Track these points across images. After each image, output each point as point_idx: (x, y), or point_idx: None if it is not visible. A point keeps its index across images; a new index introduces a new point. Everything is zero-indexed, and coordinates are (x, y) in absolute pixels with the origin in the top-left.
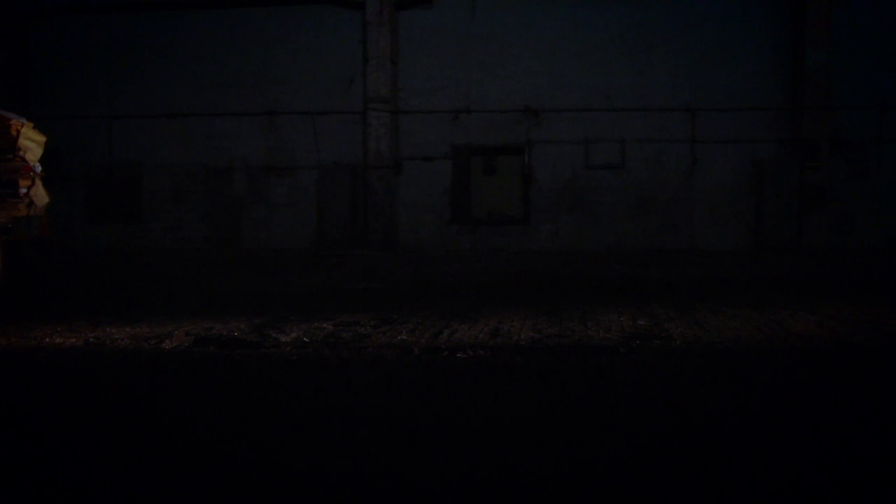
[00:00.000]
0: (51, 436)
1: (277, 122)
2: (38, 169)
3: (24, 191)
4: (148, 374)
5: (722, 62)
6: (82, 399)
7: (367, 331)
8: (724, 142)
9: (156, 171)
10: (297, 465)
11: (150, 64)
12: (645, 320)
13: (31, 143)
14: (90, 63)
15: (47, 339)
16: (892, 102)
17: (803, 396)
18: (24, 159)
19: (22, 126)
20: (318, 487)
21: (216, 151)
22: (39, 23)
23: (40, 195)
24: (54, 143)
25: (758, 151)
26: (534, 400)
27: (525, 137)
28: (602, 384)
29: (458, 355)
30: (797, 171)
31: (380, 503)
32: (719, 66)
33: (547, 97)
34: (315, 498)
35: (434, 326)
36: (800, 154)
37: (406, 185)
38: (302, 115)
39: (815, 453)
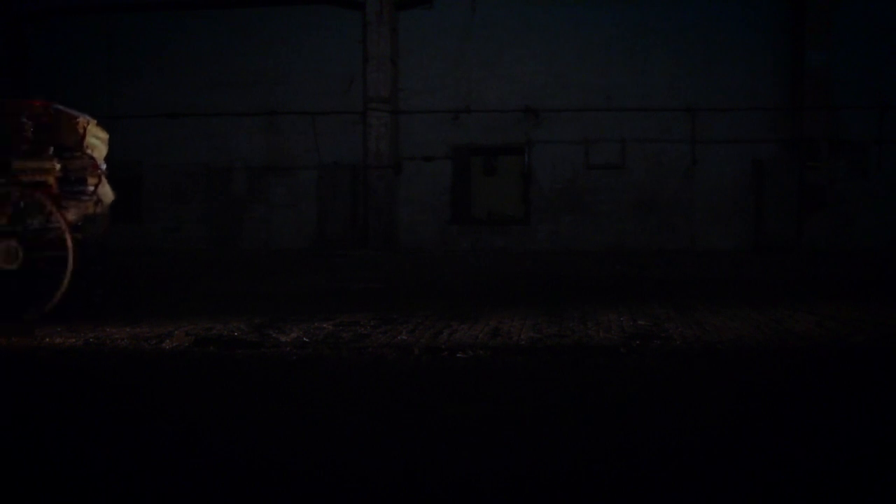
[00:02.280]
0: (51, 435)
1: (277, 121)
2: (104, 167)
3: (91, 188)
4: (148, 373)
5: (722, 62)
6: (82, 399)
7: (367, 331)
8: (724, 142)
9: (156, 171)
10: (297, 466)
11: (150, 64)
12: (645, 320)
13: (97, 141)
14: (90, 63)
15: (47, 339)
16: (892, 102)
17: (803, 396)
18: (91, 156)
19: (88, 124)
20: (318, 487)
21: (216, 151)
22: (39, 22)
23: (106, 193)
24: None
25: (758, 151)
26: (534, 400)
27: (525, 137)
28: (602, 384)
29: (458, 355)
30: (797, 171)
31: (379, 501)
32: (719, 66)
33: (547, 97)
34: (315, 498)
35: (434, 326)
36: (800, 154)
37: (406, 185)
38: (302, 115)
39: (816, 453)
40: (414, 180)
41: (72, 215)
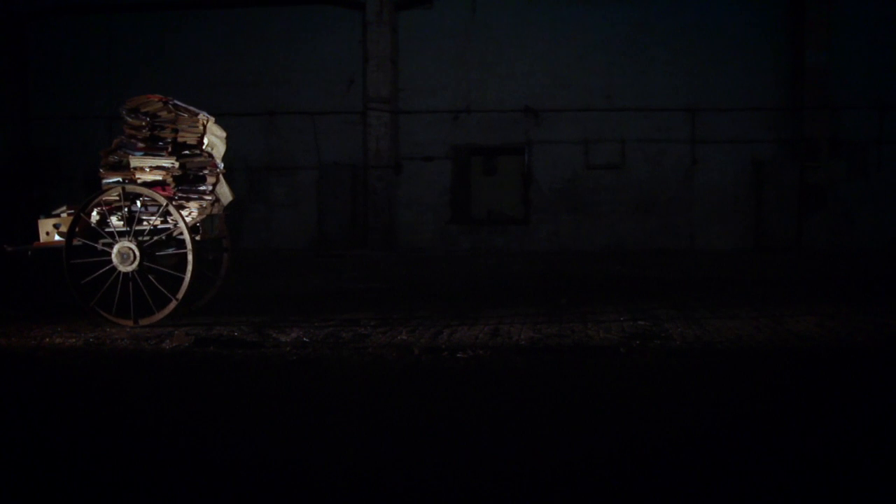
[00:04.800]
0: (51, 435)
1: (277, 122)
2: (221, 166)
3: (210, 188)
4: (148, 373)
5: (722, 62)
6: (82, 399)
7: (367, 331)
8: (724, 142)
9: None
10: (298, 466)
11: (150, 64)
12: (645, 320)
13: (216, 139)
14: (90, 63)
15: (47, 339)
16: (892, 102)
17: (803, 396)
18: (210, 154)
19: (207, 121)
20: (318, 487)
21: None
22: (39, 23)
23: (224, 193)
24: (54, 143)
25: (758, 151)
26: (534, 400)
27: (525, 137)
28: (602, 384)
29: (458, 355)
30: (797, 171)
31: (379, 501)
32: (719, 66)
33: (547, 97)
34: (315, 498)
35: (434, 326)
36: (800, 154)
37: (406, 185)
38: (302, 115)
39: (816, 454)
40: (414, 180)
41: (191, 215)
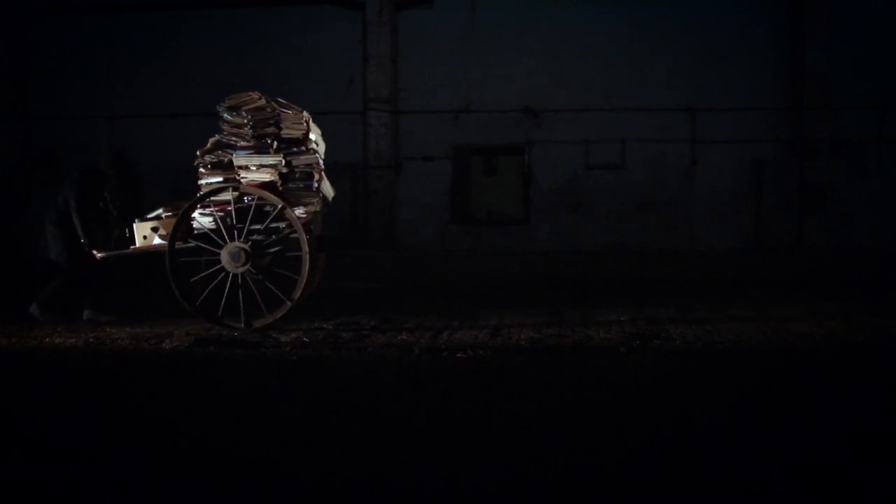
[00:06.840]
0: (50, 435)
1: None
2: (322, 163)
3: (316, 185)
4: (148, 373)
5: (722, 62)
6: (82, 399)
7: (367, 331)
8: (724, 142)
9: (156, 172)
10: (298, 465)
11: (150, 64)
12: (645, 320)
13: (316, 136)
14: (90, 63)
15: (47, 339)
16: (892, 102)
17: (804, 396)
18: (315, 151)
19: (309, 118)
20: (318, 486)
21: None
22: (39, 23)
23: (328, 189)
24: (54, 143)
25: (758, 151)
26: (534, 400)
27: (525, 137)
28: (602, 384)
29: (458, 355)
30: (797, 171)
31: (380, 501)
32: (719, 66)
33: (547, 97)
34: (315, 497)
35: (434, 326)
36: (800, 154)
37: (406, 185)
38: None
39: (816, 452)
40: (414, 180)
41: (302, 213)
